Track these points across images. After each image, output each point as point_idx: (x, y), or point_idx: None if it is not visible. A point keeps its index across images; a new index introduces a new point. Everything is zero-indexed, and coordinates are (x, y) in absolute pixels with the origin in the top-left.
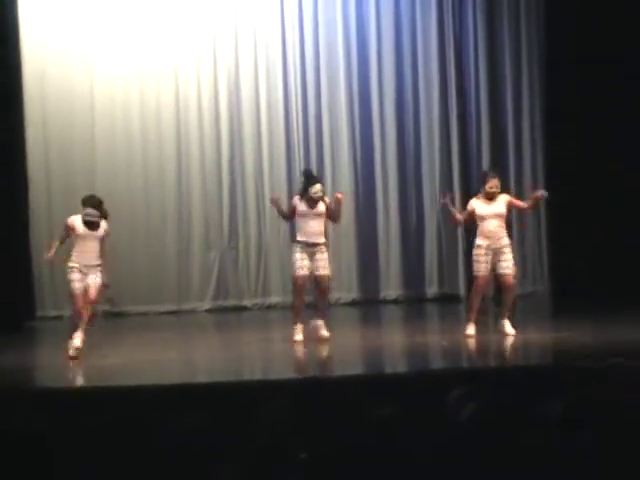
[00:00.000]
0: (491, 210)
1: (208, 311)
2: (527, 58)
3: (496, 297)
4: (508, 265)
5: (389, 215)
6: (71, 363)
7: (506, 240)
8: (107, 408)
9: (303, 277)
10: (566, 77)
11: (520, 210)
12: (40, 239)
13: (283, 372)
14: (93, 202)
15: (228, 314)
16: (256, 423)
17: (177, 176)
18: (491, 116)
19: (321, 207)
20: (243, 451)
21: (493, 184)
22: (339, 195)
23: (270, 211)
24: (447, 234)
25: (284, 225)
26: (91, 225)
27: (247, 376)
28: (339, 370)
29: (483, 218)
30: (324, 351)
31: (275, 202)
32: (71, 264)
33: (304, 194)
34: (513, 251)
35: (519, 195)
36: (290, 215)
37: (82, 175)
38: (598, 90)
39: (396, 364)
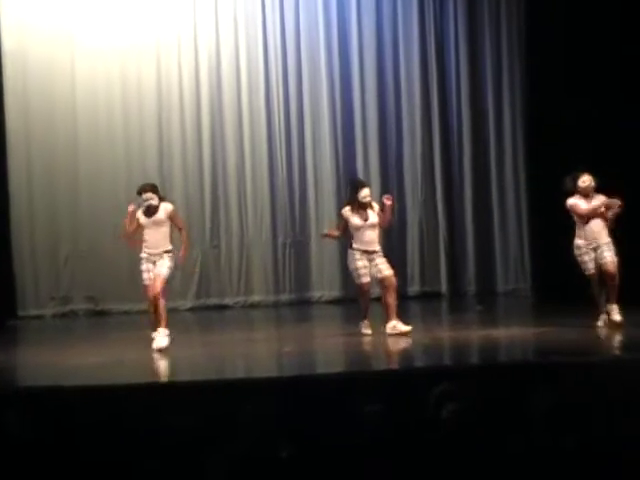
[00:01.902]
0: (590, 208)
1: (190, 310)
2: (507, 50)
3: (481, 296)
4: (609, 255)
5: None
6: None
7: (606, 238)
8: (89, 407)
9: (368, 284)
10: (548, 70)
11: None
12: (21, 238)
13: (266, 370)
14: (147, 187)
15: (210, 313)
16: (239, 421)
17: (159, 174)
18: (472, 111)
19: (373, 217)
20: (226, 449)
21: (587, 178)
22: (388, 201)
23: (252, 209)
24: (429, 232)
25: (266, 223)
26: (150, 211)
27: (229, 374)
28: (322, 368)
29: (582, 216)
30: (306, 349)
31: (328, 236)
32: (141, 255)
33: (353, 202)
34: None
35: (501, 191)
36: (344, 229)
37: (64, 175)
38: (581, 84)
39: (378, 361)
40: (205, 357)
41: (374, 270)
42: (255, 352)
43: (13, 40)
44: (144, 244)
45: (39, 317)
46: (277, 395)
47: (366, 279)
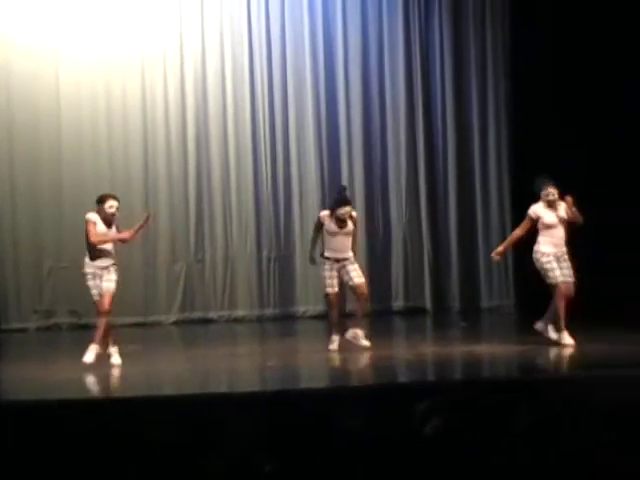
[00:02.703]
0: (556, 217)
1: (174, 323)
2: (492, 62)
3: (465, 312)
4: (569, 273)
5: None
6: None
7: (564, 247)
8: (72, 421)
9: (335, 294)
10: (533, 85)
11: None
12: (3, 251)
13: (249, 385)
14: (113, 196)
15: (194, 326)
16: (222, 436)
17: (144, 187)
18: (456, 124)
19: (350, 226)
20: (209, 463)
21: (551, 191)
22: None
23: (237, 222)
24: (413, 248)
25: (251, 237)
26: (111, 221)
27: (213, 389)
28: (305, 383)
29: (549, 226)
30: (290, 363)
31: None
32: (85, 270)
33: (332, 212)
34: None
35: (485, 208)
36: (318, 230)
37: (48, 188)
38: (567, 99)
39: (362, 377)
40: (189, 371)
41: (346, 278)
42: (239, 366)
43: None
44: (94, 256)
45: (22, 330)
46: (260, 409)
47: (332, 289)
